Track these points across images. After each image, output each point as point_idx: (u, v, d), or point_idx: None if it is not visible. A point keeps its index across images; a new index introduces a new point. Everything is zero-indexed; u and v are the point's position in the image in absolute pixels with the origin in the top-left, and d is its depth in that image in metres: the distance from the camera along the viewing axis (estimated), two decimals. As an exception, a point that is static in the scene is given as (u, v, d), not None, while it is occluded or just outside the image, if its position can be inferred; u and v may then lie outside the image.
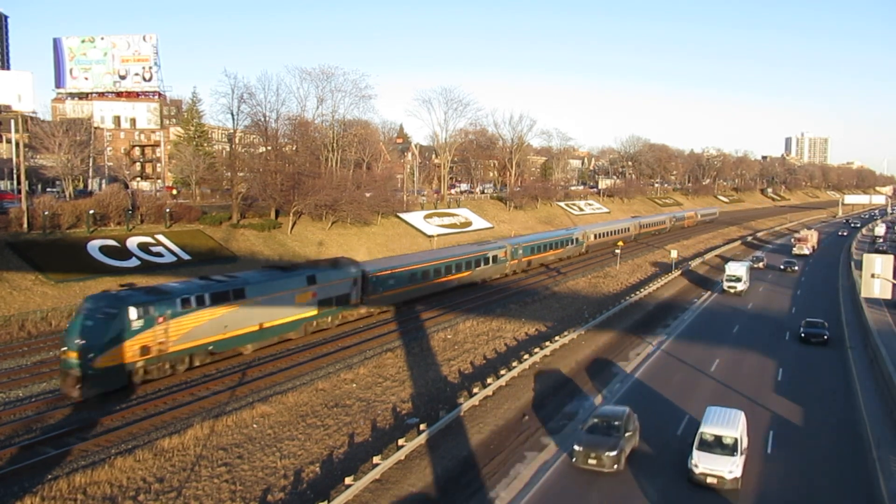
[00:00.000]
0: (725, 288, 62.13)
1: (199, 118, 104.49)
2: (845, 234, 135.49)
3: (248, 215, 75.58)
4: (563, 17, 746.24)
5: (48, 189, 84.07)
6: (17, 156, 66.83)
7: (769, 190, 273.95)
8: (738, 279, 61.81)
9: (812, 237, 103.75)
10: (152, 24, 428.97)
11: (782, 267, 78.78)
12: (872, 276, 27.04)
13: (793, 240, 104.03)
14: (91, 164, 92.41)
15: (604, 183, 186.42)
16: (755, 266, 76.70)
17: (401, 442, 25.14)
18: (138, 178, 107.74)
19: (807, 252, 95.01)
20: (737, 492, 23.06)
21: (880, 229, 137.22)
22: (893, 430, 28.77)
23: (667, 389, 34.10)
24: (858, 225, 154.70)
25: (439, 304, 53.36)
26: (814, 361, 40.47)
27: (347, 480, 22.13)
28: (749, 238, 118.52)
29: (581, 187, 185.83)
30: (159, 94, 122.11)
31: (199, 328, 33.94)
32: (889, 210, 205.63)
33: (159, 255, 59.05)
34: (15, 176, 75.60)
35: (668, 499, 22.93)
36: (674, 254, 74.27)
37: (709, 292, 63.57)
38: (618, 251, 78.79)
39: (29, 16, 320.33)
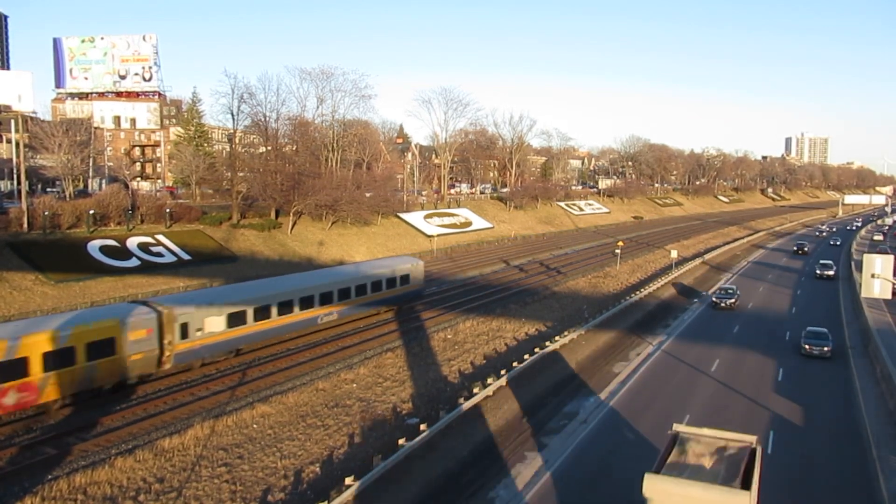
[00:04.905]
0: None
1: (199, 118, 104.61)
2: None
3: (248, 215, 75.59)
4: (563, 18, 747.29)
5: (48, 189, 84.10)
6: (17, 156, 66.89)
7: (769, 190, 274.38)
8: None
9: None
10: (152, 24, 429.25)
11: None
12: (872, 276, 27.03)
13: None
14: (91, 164, 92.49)
15: (604, 183, 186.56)
16: None
17: (401, 442, 25.12)
18: (138, 178, 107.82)
19: None
20: None
21: (888, 220, 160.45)
22: (893, 430, 28.78)
23: (666, 388, 34.15)
24: (833, 273, 74.33)
25: (439, 304, 53.41)
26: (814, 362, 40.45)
27: (347, 480, 22.10)
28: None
29: (581, 187, 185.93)
30: (159, 94, 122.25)
31: None
32: (888, 210, 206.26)
33: (159, 255, 59.10)
34: (15, 176, 75.61)
35: None
36: (674, 254, 74.45)
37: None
38: (618, 251, 78.73)
39: (29, 16, 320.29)
